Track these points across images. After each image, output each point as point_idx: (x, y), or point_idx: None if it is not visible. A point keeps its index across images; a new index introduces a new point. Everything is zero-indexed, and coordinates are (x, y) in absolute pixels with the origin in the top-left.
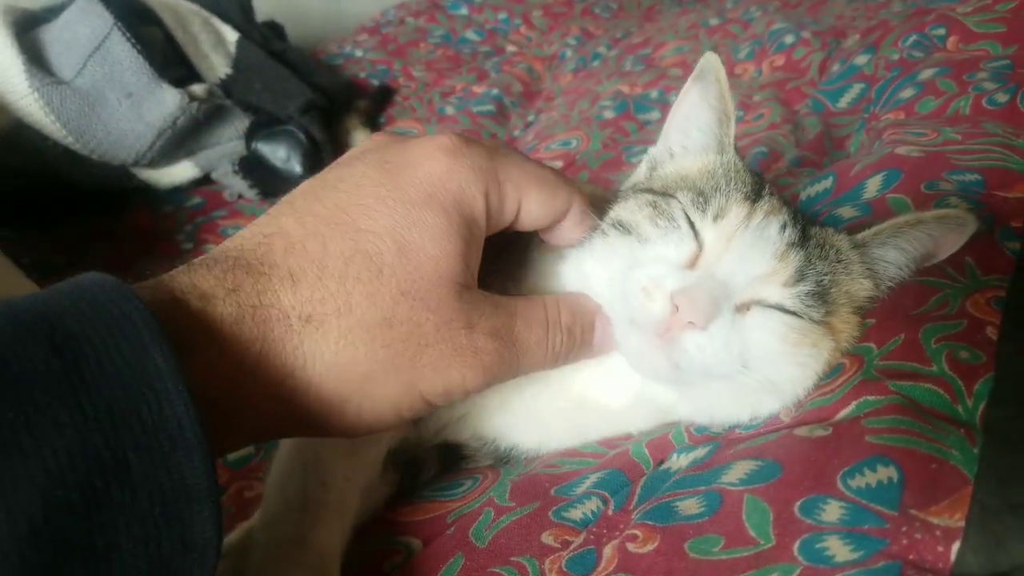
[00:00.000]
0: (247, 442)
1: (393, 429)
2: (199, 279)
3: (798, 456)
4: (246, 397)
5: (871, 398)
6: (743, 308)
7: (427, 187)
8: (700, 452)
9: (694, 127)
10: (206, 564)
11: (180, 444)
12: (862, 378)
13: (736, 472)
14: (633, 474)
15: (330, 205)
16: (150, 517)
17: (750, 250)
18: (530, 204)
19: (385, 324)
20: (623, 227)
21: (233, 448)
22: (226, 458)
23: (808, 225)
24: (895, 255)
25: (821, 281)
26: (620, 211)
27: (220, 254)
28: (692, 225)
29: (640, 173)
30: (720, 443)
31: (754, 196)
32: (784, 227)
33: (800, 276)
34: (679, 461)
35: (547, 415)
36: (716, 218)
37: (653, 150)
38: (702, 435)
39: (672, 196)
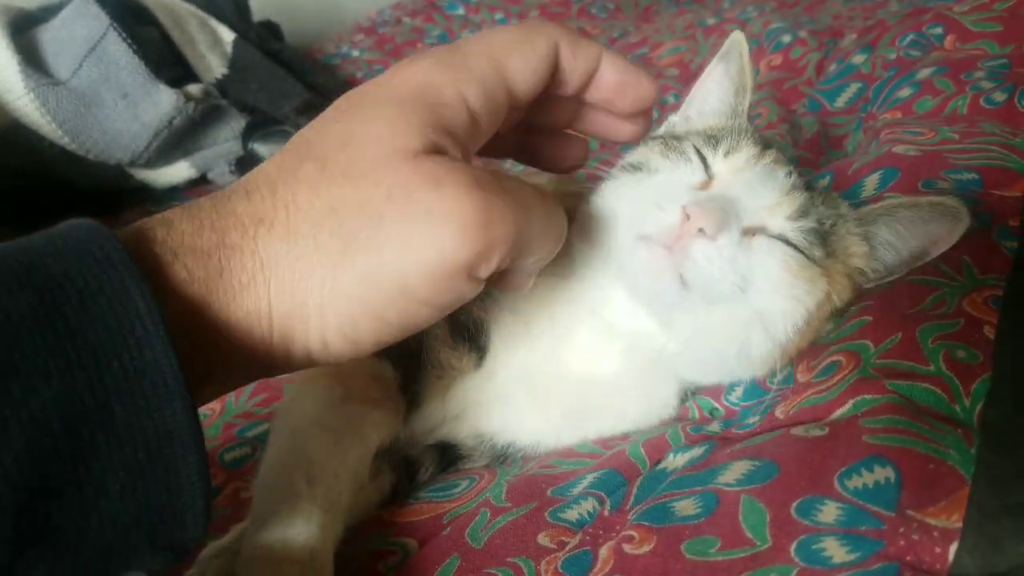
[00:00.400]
0: (225, 377)
1: (385, 341)
2: (165, 213)
3: (795, 456)
4: (216, 315)
5: (868, 397)
6: (749, 233)
7: (384, 95)
8: (696, 452)
9: (713, 97)
10: (196, 511)
11: (162, 390)
12: (859, 376)
13: (733, 472)
14: (629, 474)
15: (296, 140)
16: (134, 463)
17: (758, 182)
18: (515, 69)
19: (330, 211)
20: (633, 167)
21: (215, 390)
22: (222, 458)
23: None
24: (887, 234)
25: (823, 222)
26: (630, 156)
27: (184, 205)
28: (703, 159)
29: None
30: (716, 443)
31: (763, 146)
32: (790, 174)
33: (803, 212)
34: (675, 461)
35: (544, 402)
36: (727, 154)
37: (673, 117)
38: (699, 434)
39: (683, 138)
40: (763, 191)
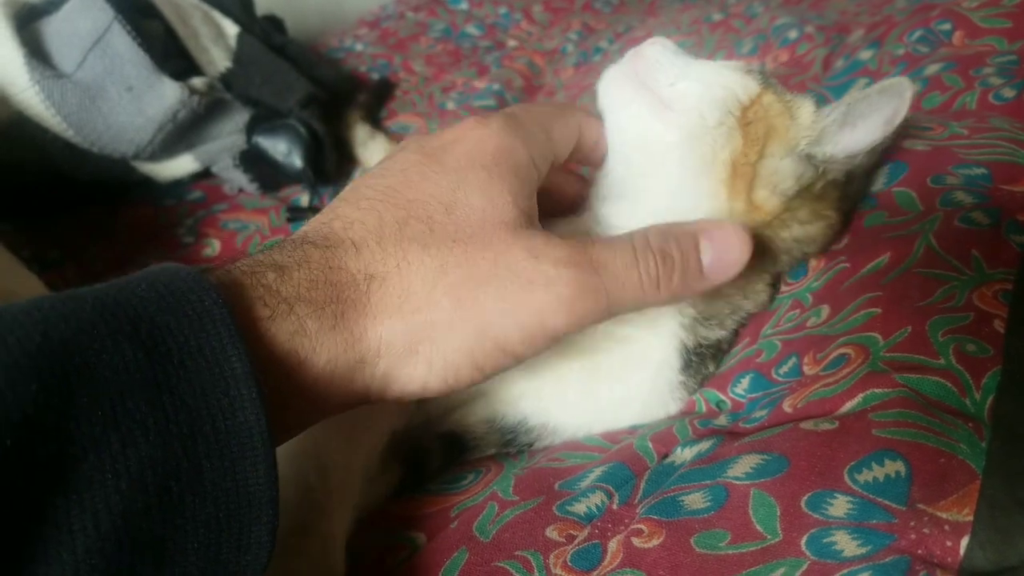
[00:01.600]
0: (311, 418)
1: (468, 385)
2: (274, 256)
3: (804, 450)
4: (322, 366)
5: (878, 391)
6: None
7: (465, 156)
8: (704, 445)
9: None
10: (259, 566)
11: (249, 452)
12: (868, 370)
13: (742, 466)
14: (637, 467)
15: (380, 188)
16: (214, 522)
17: None
18: (557, 138)
19: (440, 271)
20: None
21: (299, 430)
22: None
23: None
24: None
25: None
26: None
27: (285, 240)
28: None
29: None
30: (724, 437)
31: None
32: None
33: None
34: (683, 454)
35: (559, 365)
36: None
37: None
38: (706, 428)
39: None
40: None
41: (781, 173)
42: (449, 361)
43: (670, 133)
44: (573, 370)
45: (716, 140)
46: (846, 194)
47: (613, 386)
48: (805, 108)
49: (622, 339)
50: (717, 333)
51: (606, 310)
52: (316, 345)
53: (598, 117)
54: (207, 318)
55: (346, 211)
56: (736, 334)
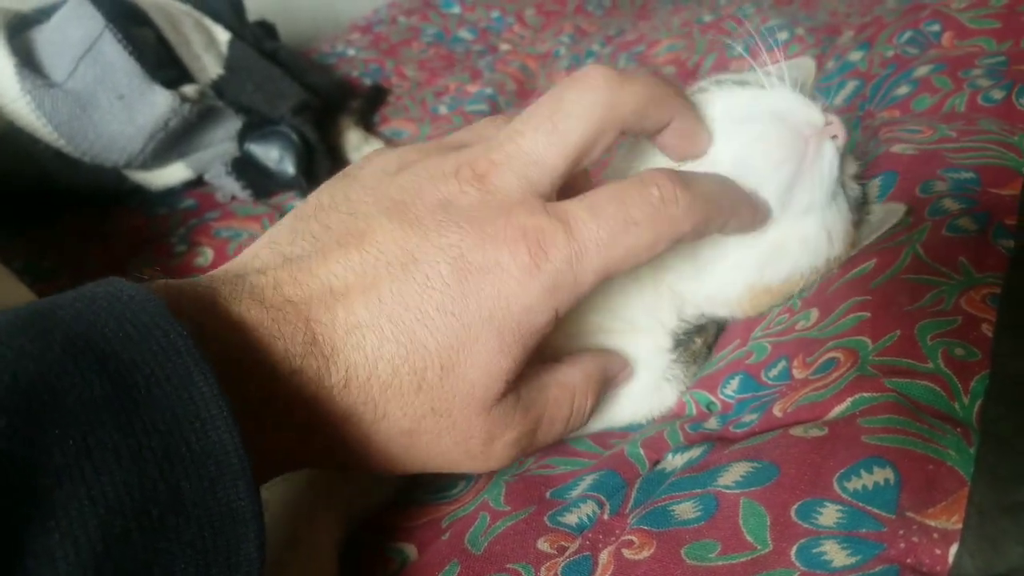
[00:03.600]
0: (295, 468)
1: None
2: (268, 322)
3: (794, 458)
4: (307, 429)
5: (867, 395)
6: None
7: (489, 308)
8: (695, 452)
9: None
10: None
11: (227, 470)
12: (857, 374)
13: (732, 475)
14: (628, 475)
15: (395, 292)
16: (199, 542)
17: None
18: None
19: (407, 434)
20: (735, 82)
21: (285, 471)
22: None
23: None
24: None
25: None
26: (722, 76)
27: (285, 299)
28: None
29: None
30: (715, 442)
31: None
32: None
33: (858, 178)
34: (674, 461)
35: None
36: (824, 111)
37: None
38: (697, 433)
39: None
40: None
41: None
42: (385, 469)
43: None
44: None
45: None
46: None
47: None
48: None
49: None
50: (703, 321)
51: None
52: (299, 407)
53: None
54: (171, 350)
55: (354, 298)
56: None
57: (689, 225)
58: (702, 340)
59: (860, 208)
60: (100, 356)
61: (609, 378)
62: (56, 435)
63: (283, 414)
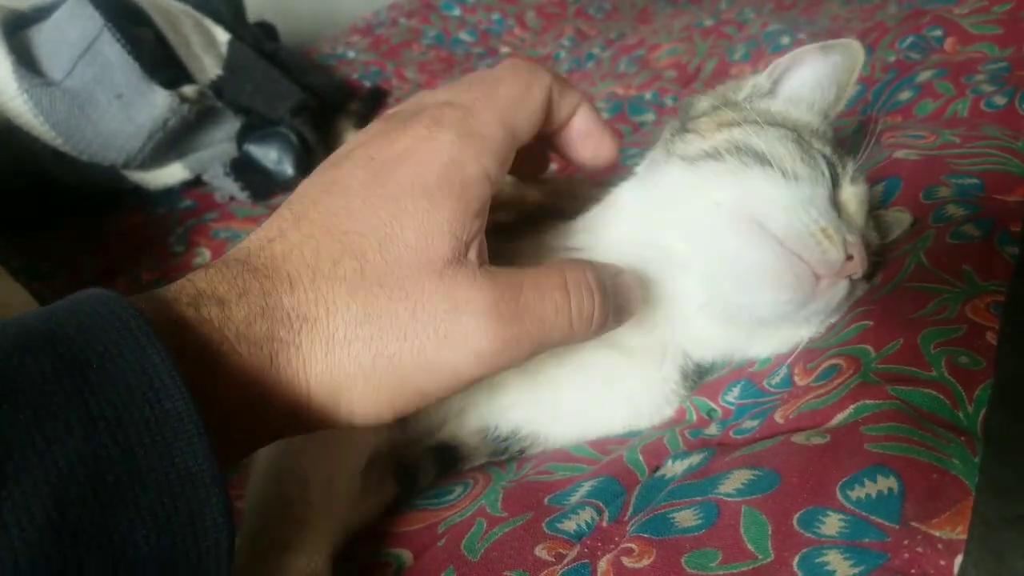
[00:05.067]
0: (259, 445)
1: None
2: (216, 284)
3: (796, 466)
4: (265, 396)
5: (869, 402)
6: None
7: (410, 178)
8: (695, 459)
9: (808, 88)
10: (220, 555)
11: (182, 435)
12: (860, 381)
13: (733, 482)
14: (627, 482)
15: (322, 209)
16: (159, 507)
17: (869, 227)
18: (521, 127)
19: (364, 319)
20: (756, 156)
21: (248, 451)
22: None
23: None
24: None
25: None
26: (744, 136)
27: (231, 257)
28: (834, 178)
29: (736, 90)
30: (716, 449)
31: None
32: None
33: (877, 253)
34: (674, 468)
35: (554, 374)
36: (852, 181)
37: (759, 78)
38: (697, 439)
39: (804, 138)
40: (870, 239)
41: None
42: (369, 409)
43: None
44: (568, 376)
45: None
46: None
47: (611, 394)
48: None
49: (625, 349)
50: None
51: (528, 356)
52: (259, 379)
53: (564, 80)
54: (124, 330)
55: (287, 230)
56: None
57: None
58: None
59: (873, 276)
60: (51, 338)
61: (611, 282)
62: (6, 411)
63: (233, 355)
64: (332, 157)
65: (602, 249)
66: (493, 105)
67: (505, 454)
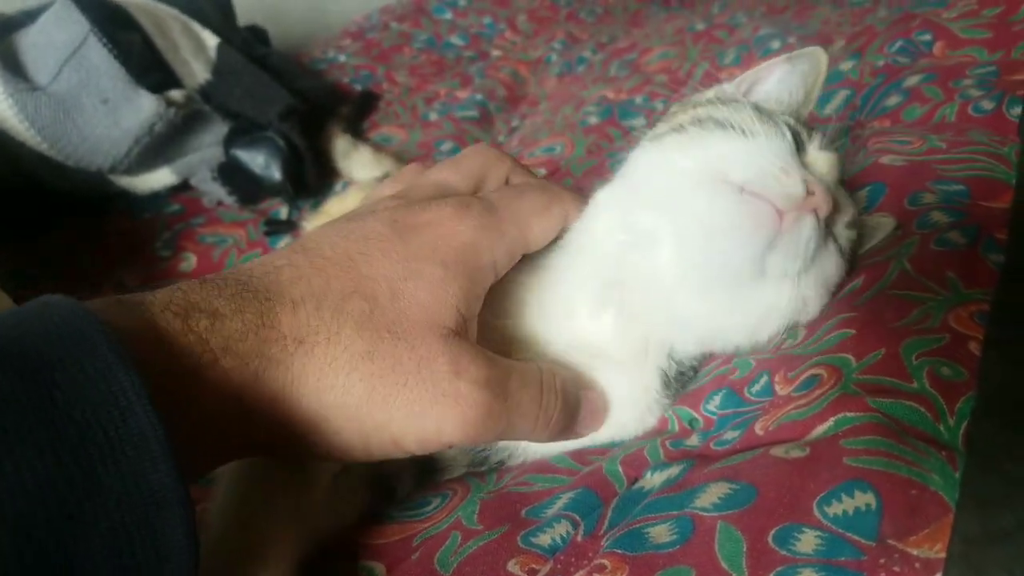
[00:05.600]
0: (233, 458)
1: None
2: (212, 298)
3: (773, 479)
4: (244, 411)
5: (850, 415)
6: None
7: (430, 245)
8: (674, 470)
9: (775, 94)
10: (182, 574)
11: (146, 456)
12: (840, 392)
13: (710, 496)
14: (605, 494)
15: (339, 251)
16: (121, 528)
17: (842, 193)
18: (535, 235)
19: (367, 357)
20: (716, 123)
21: (221, 462)
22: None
23: None
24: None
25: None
26: (706, 111)
27: (231, 276)
28: (798, 142)
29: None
30: (695, 460)
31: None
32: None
33: (854, 223)
34: (652, 479)
35: None
36: (821, 148)
37: (727, 86)
38: (678, 450)
39: (772, 112)
40: (843, 195)
41: None
42: (345, 443)
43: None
44: None
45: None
46: None
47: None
48: None
49: (606, 357)
50: (696, 362)
51: (498, 436)
52: (240, 394)
53: (580, 200)
54: (88, 345)
55: (298, 261)
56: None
57: None
58: (693, 375)
59: (855, 255)
60: (16, 353)
61: (578, 385)
62: None
63: (214, 368)
64: (350, 213)
65: (588, 251)
66: (516, 209)
67: (484, 465)
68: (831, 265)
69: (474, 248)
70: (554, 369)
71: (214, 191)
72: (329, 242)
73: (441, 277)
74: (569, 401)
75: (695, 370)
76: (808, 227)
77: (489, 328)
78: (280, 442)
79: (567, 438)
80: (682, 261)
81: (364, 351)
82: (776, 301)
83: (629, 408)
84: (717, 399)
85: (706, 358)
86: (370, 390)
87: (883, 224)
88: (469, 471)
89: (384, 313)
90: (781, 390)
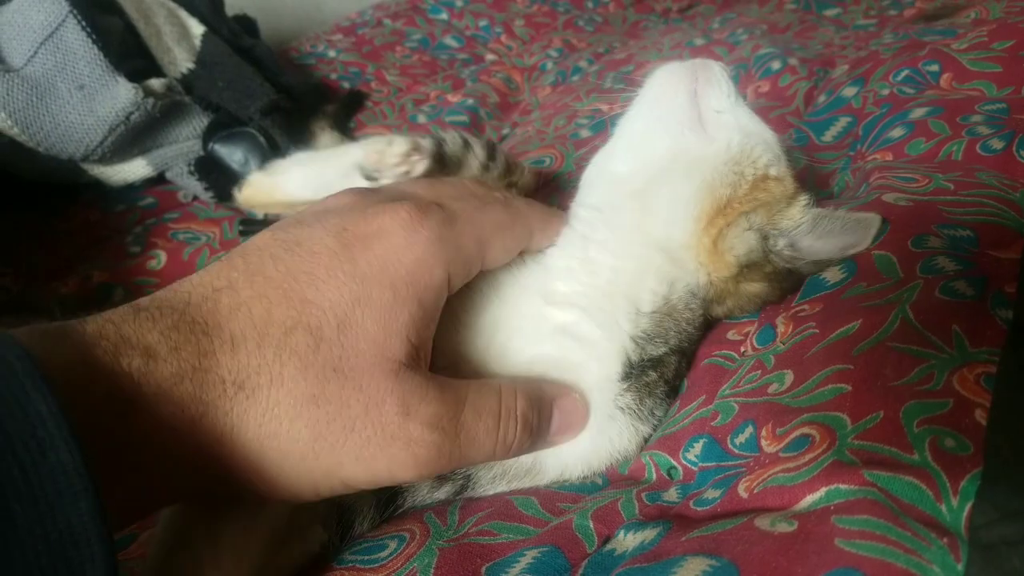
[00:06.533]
0: (172, 502)
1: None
2: (145, 332)
3: (757, 557)
4: (183, 455)
5: (843, 487)
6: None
7: (380, 262)
8: (649, 533)
9: None
10: None
11: (66, 491)
12: (834, 459)
13: (688, 572)
14: (573, 555)
15: (282, 269)
16: (37, 569)
17: None
18: (495, 252)
19: (312, 401)
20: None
21: (158, 507)
22: None
23: None
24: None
25: None
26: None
27: (167, 303)
28: None
29: None
30: (672, 522)
31: None
32: None
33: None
34: (625, 541)
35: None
36: None
37: None
38: (654, 505)
39: None
40: None
41: (741, 240)
42: (293, 487)
43: (694, 146)
44: None
45: (725, 176)
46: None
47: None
48: (800, 202)
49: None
50: (660, 349)
51: (452, 467)
52: (178, 438)
53: (559, 218)
54: (8, 373)
55: (239, 283)
56: (685, 360)
57: None
58: (657, 374)
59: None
60: None
61: (545, 399)
62: None
63: (149, 413)
64: (299, 215)
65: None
66: (477, 223)
67: (444, 490)
68: (749, 115)
69: (427, 265)
70: (516, 386)
71: (190, 186)
72: (272, 255)
73: (391, 303)
74: (532, 420)
75: (655, 366)
76: (716, 66)
77: (447, 339)
78: (222, 485)
79: (541, 449)
80: (603, 189)
81: (309, 395)
82: (727, 136)
83: (592, 400)
84: (698, 447)
85: (677, 361)
86: (316, 436)
87: (869, 221)
88: (431, 500)
89: (330, 348)
90: (768, 446)
